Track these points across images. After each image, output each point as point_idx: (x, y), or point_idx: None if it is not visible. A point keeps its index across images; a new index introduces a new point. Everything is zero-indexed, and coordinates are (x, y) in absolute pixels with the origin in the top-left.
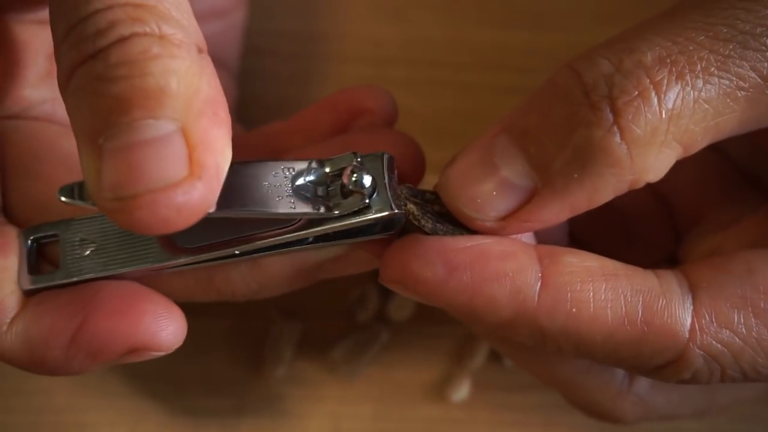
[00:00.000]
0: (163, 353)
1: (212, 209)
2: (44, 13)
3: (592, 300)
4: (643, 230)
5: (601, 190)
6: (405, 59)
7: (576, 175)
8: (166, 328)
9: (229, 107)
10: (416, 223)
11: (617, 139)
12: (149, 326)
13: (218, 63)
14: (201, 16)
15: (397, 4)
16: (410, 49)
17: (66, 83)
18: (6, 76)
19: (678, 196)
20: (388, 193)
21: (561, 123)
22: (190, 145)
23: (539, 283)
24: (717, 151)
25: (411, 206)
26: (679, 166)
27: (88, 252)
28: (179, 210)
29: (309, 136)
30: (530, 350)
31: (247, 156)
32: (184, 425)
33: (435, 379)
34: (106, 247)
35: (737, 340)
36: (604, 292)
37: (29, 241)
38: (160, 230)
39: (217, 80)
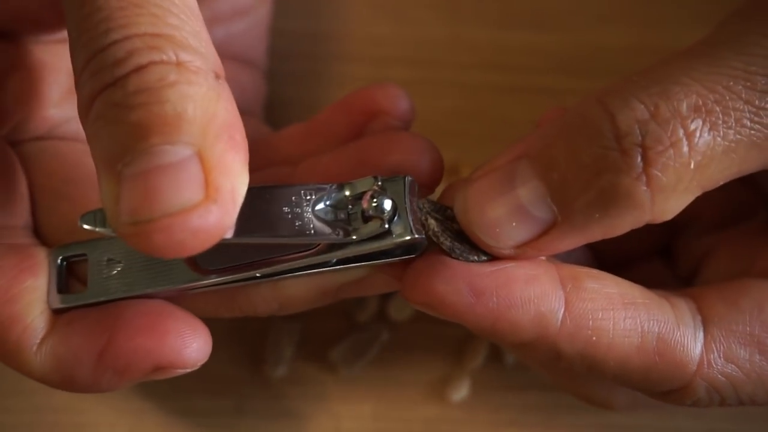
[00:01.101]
0: (189, 370)
1: (230, 234)
2: (61, 33)
3: (612, 329)
4: None
5: (618, 228)
6: (404, 59)
7: (597, 215)
8: (190, 345)
9: (259, 106)
10: (435, 239)
11: (643, 186)
12: (173, 344)
13: (246, 62)
14: (225, 16)
15: (396, 4)
16: (410, 49)
17: (86, 112)
18: (29, 98)
19: None
20: (409, 217)
21: (588, 163)
22: (206, 169)
23: (563, 310)
24: None
25: (431, 221)
26: None
27: (115, 272)
28: (195, 233)
29: (325, 140)
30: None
31: (268, 164)
32: (183, 425)
33: (435, 379)
34: (132, 267)
35: (740, 374)
36: (623, 321)
37: (59, 261)
38: (176, 254)
39: (234, 105)
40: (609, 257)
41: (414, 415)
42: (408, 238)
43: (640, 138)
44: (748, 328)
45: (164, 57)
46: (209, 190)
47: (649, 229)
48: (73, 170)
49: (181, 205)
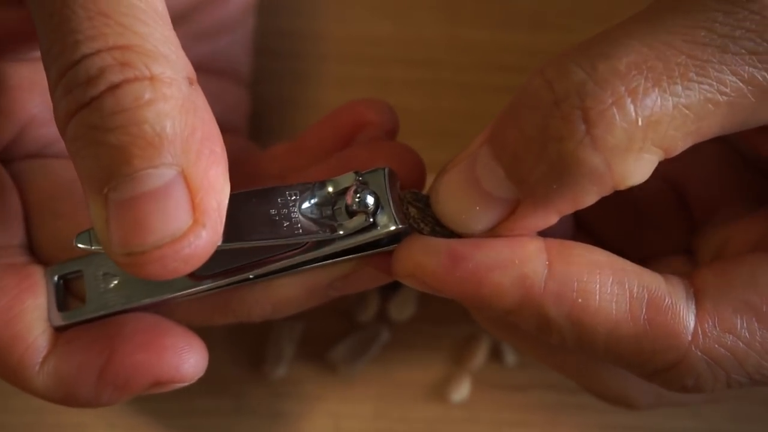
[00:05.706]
0: (186, 384)
1: (219, 243)
2: None
3: (598, 292)
4: (655, 218)
5: (583, 197)
6: (403, 59)
7: (555, 186)
8: (187, 360)
9: (243, 120)
10: (415, 226)
11: (591, 149)
12: (171, 360)
13: (230, 77)
14: (210, 31)
15: (395, 4)
16: (409, 49)
17: (64, 129)
18: (19, 118)
19: (694, 187)
20: (392, 208)
21: (534, 135)
22: (191, 190)
23: (546, 271)
24: (726, 143)
25: (412, 209)
26: (694, 157)
27: (112, 285)
28: (187, 260)
29: (314, 154)
30: (538, 341)
31: (257, 182)
32: (184, 425)
33: (435, 379)
34: (128, 279)
35: (741, 344)
36: (610, 285)
37: (56, 279)
38: (171, 277)
39: (210, 112)
40: (629, 257)
41: (414, 415)
42: (393, 228)
43: (579, 100)
44: (742, 295)
45: (137, 73)
46: (197, 213)
47: (670, 228)
48: (67, 187)
49: (172, 235)
